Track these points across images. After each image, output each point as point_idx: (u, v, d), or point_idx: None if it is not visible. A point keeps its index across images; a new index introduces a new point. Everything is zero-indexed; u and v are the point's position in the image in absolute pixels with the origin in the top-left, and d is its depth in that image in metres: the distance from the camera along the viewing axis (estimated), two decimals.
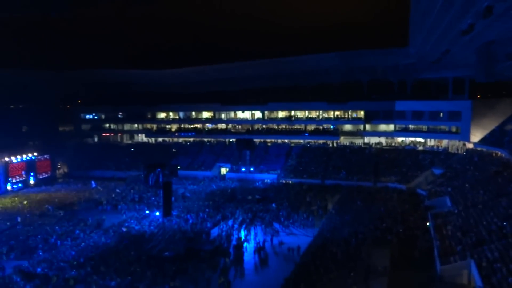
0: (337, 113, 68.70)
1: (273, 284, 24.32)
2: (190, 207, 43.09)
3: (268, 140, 69.97)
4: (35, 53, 75.97)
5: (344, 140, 66.77)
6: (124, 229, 36.31)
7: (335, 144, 65.89)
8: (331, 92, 67.71)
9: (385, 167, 54.80)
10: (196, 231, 35.11)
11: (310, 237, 33.19)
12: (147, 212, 42.09)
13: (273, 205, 42.69)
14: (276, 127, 71.36)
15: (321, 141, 66.95)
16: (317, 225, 36.94)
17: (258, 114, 72.82)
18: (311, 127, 69.36)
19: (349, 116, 68.17)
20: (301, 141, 67.69)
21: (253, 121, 73.31)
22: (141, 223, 38.19)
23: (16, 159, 56.74)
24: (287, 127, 70.90)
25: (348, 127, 67.87)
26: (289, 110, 70.87)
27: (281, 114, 72.27)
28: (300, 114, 70.88)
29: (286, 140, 69.19)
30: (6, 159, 55.40)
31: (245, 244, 32.10)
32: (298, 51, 69.15)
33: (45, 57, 74.87)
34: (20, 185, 56.59)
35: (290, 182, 55.41)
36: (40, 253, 30.87)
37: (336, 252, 27.49)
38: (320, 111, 69.19)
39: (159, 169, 36.27)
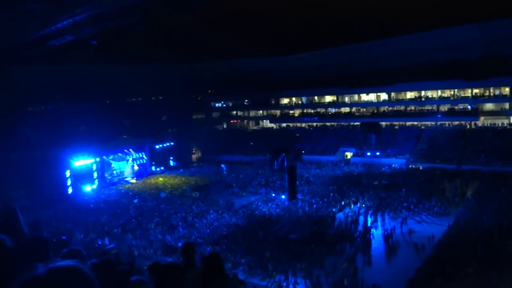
0: (475, 91, 61.71)
1: (403, 274, 23.10)
2: (315, 191, 43.35)
3: (395, 123, 65.99)
4: (171, 48, 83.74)
5: (484, 121, 59.83)
6: (253, 211, 38.25)
7: (473, 126, 59.48)
8: (467, 69, 60.72)
9: None
10: (321, 215, 35.30)
11: (444, 227, 30.76)
12: (273, 195, 43.60)
13: (403, 191, 40.49)
14: (404, 109, 67.15)
15: (456, 123, 61.03)
16: (452, 213, 34.06)
17: (383, 96, 69.36)
18: (444, 107, 63.56)
19: (491, 94, 60.74)
20: (433, 123, 62.49)
21: (379, 103, 70.07)
22: (267, 206, 39.80)
23: (159, 144, 63.52)
24: (416, 108, 66.17)
25: (489, 106, 60.60)
26: (419, 90, 65.66)
27: (409, 95, 67.64)
28: (430, 94, 65.48)
29: (415, 123, 64.44)
30: (152, 145, 62.32)
31: (372, 230, 31.21)
32: (429, 26, 63.52)
33: (179, 52, 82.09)
34: (162, 167, 63.19)
35: (420, 167, 51.83)
36: (180, 230, 34.27)
37: (476, 244, 25.03)
38: (455, 90, 62.92)
39: (283, 154, 37.04)
